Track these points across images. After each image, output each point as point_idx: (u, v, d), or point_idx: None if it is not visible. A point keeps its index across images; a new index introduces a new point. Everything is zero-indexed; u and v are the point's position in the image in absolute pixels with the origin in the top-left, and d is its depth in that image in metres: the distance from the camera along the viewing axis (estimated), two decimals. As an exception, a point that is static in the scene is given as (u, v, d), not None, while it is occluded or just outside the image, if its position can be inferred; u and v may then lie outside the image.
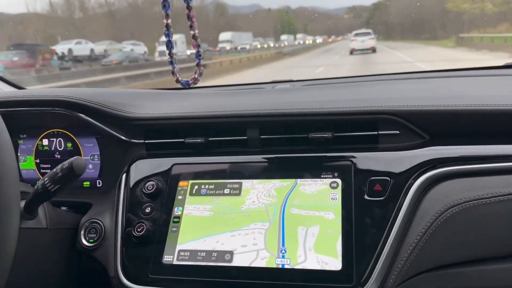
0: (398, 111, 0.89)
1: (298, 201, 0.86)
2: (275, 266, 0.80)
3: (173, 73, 0.92)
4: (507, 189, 0.79)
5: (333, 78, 1.50)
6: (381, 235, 0.79)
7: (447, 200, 0.80)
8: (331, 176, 0.87)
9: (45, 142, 1.11)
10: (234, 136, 0.99)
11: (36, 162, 1.12)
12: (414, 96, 0.97)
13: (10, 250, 0.64)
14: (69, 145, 1.09)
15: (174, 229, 0.89)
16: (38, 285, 0.90)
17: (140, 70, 14.88)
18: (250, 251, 0.83)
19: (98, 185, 1.07)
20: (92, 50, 20.03)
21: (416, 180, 0.82)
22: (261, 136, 0.97)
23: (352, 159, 0.88)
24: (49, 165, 1.11)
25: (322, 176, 0.88)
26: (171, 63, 0.90)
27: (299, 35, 39.56)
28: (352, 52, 20.83)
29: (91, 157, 1.08)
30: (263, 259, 0.81)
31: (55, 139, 1.10)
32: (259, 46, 30.38)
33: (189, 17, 0.86)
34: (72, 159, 0.75)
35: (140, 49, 21.68)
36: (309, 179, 0.88)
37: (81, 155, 1.08)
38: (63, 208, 1.04)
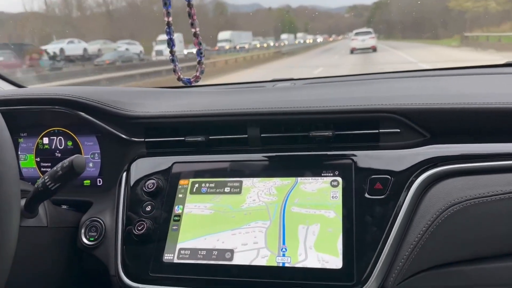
0: (399, 109, 0.89)
1: (299, 200, 0.86)
2: (275, 264, 0.80)
3: (174, 71, 0.91)
4: (508, 187, 0.79)
5: (334, 77, 1.49)
6: (382, 234, 0.79)
7: (448, 198, 0.80)
8: (331, 174, 0.87)
9: (46, 140, 1.10)
10: (235, 135, 0.99)
11: (36, 161, 1.12)
12: (415, 94, 0.97)
13: (10, 248, 0.64)
14: (70, 143, 1.09)
15: (174, 227, 0.88)
16: (38, 283, 0.90)
17: (128, 71, 14.23)
18: (251, 249, 0.83)
19: (98, 184, 1.07)
20: (85, 49, 19.62)
21: (417, 178, 0.82)
22: (262, 135, 0.97)
23: (353, 158, 0.88)
24: (50, 164, 1.11)
25: (322, 174, 0.87)
26: (173, 61, 0.90)
27: (299, 34, 39.53)
28: (352, 51, 20.79)
29: (92, 156, 1.08)
30: (264, 258, 0.81)
31: (55, 137, 1.10)
32: (258, 45, 30.32)
33: (190, 15, 0.86)
34: (72, 157, 0.75)
35: (136, 48, 21.32)
36: (310, 178, 0.88)
37: (81, 154, 1.07)
38: (64, 206, 1.03)
